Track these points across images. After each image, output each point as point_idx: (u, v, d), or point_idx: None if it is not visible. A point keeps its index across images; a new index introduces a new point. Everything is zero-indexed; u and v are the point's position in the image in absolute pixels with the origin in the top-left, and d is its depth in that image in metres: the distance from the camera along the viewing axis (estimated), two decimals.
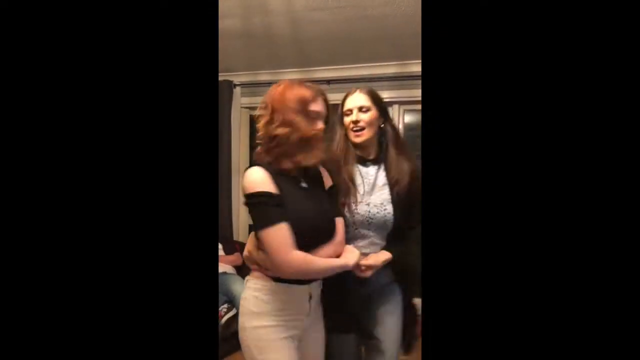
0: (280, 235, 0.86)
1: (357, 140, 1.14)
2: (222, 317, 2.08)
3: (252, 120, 3.18)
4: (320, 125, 0.97)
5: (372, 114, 1.14)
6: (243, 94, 2.96)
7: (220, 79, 2.89)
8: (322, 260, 0.92)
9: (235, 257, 2.48)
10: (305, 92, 0.94)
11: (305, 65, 2.66)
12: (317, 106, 0.96)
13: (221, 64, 2.70)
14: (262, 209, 0.87)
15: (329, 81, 2.65)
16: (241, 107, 3.00)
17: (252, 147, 3.22)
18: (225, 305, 2.11)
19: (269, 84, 2.82)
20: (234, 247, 2.61)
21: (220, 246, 2.52)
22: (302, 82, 0.98)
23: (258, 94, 2.94)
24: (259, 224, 0.88)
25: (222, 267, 2.36)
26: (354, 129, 1.14)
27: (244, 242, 2.89)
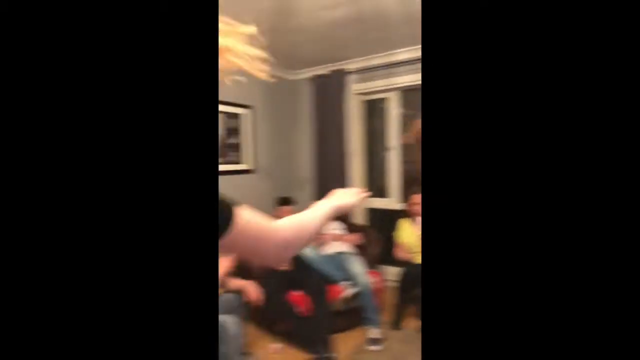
0: (248, 219, 0.66)
1: None
2: (342, 292, 2.20)
3: (367, 105, 3.22)
4: None
5: None
6: (356, 81, 3.02)
7: (333, 68, 3.01)
8: (308, 212, 0.73)
9: (355, 237, 2.59)
10: None
11: (418, 42, 2.56)
12: None
13: (334, 54, 2.80)
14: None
15: None
16: (355, 93, 3.06)
17: (368, 129, 3.26)
18: (346, 282, 2.23)
19: (383, 67, 2.83)
20: (353, 226, 2.72)
21: (340, 225, 2.66)
22: None
23: (371, 79, 2.96)
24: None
25: (339, 247, 2.48)
26: None
27: (360, 223, 2.98)
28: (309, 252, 2.34)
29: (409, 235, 2.44)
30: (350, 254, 2.44)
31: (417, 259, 2.34)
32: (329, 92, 3.06)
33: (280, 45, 2.47)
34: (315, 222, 0.71)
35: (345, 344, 2.15)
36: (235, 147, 2.85)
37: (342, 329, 2.26)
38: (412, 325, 2.35)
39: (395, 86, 2.90)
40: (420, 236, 2.42)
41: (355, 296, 2.22)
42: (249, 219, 0.59)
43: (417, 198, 2.42)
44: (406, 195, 2.62)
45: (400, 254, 2.44)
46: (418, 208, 2.39)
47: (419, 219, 2.41)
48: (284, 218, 0.67)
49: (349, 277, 2.26)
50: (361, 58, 2.93)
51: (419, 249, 2.35)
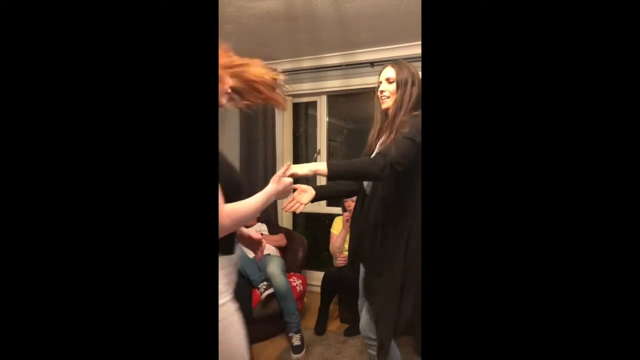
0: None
1: (383, 105, 1.28)
2: (262, 294, 2.10)
3: (295, 108, 3.19)
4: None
5: (395, 85, 1.25)
6: (286, 82, 2.97)
7: None
8: (249, 200, 0.90)
9: (278, 237, 2.51)
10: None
11: (349, 47, 2.61)
12: None
13: (264, 52, 2.72)
14: None
15: (372, 63, 2.58)
16: (285, 95, 3.01)
17: (295, 134, 3.23)
18: (265, 283, 2.13)
19: (312, 70, 2.83)
20: (279, 229, 2.64)
21: (265, 227, 2.56)
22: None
23: (301, 80, 2.94)
24: None
25: (266, 249, 2.39)
26: (381, 97, 1.29)
27: (287, 227, 2.92)
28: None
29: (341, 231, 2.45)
30: (272, 256, 2.35)
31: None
32: None
33: None
34: (252, 208, 0.89)
35: (267, 352, 2.04)
36: None
37: (265, 337, 2.15)
38: (335, 328, 2.33)
39: (324, 90, 2.92)
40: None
41: (270, 298, 2.12)
42: None
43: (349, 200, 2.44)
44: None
45: (333, 246, 2.45)
46: (352, 207, 2.40)
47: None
48: (229, 205, 0.83)
49: (266, 279, 2.17)
50: (291, 59, 2.89)
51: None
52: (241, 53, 3.02)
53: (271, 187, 0.96)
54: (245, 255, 2.22)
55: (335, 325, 2.36)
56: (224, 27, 2.25)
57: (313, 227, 3.15)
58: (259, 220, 2.57)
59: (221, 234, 0.82)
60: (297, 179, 1.11)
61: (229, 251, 0.93)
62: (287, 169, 1.02)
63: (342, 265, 2.31)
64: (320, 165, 1.13)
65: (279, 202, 2.91)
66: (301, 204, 1.22)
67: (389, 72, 1.27)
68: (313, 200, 1.27)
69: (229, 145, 3.17)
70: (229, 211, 0.84)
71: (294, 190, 1.21)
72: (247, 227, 2.46)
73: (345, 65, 2.71)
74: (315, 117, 3.11)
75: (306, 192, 1.25)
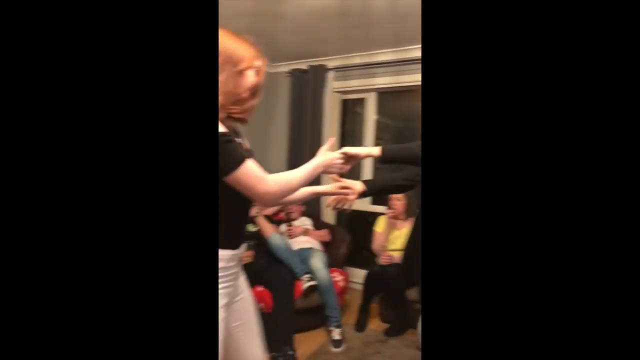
0: (251, 169, 0.82)
1: None
2: (303, 284, 2.13)
3: (343, 105, 3.19)
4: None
5: None
6: (335, 78, 2.98)
7: (313, 63, 2.96)
8: (295, 170, 0.92)
9: (323, 233, 2.54)
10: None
11: (400, 44, 2.57)
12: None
13: (314, 48, 2.75)
14: (231, 147, 0.80)
15: None
16: (333, 91, 3.03)
17: (344, 130, 3.23)
18: (307, 275, 2.16)
19: (362, 66, 2.81)
20: (323, 224, 2.67)
21: (309, 221, 2.60)
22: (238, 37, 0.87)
23: (350, 77, 2.94)
24: (230, 164, 0.79)
25: (310, 243, 2.43)
26: None
27: (328, 222, 2.94)
28: (279, 242, 2.25)
29: (385, 229, 2.44)
30: (315, 250, 2.38)
31: (393, 255, 2.32)
32: (307, 87, 3.00)
33: (264, 30, 2.39)
34: (299, 178, 0.92)
35: (307, 344, 2.08)
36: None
37: (305, 328, 2.20)
38: (376, 327, 2.32)
39: (373, 87, 2.90)
40: (407, 236, 2.40)
41: (312, 290, 2.15)
42: (250, 167, 0.81)
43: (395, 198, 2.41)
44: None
45: (376, 244, 2.44)
46: (397, 206, 2.38)
47: (396, 220, 2.41)
48: (275, 174, 0.87)
49: (309, 272, 2.20)
50: (341, 55, 2.89)
51: (395, 247, 2.34)
52: (293, 49, 3.09)
53: (316, 159, 0.97)
54: (289, 248, 2.27)
55: (375, 324, 2.35)
56: (277, 25, 2.31)
57: (356, 224, 3.14)
58: (303, 214, 2.61)
59: (270, 203, 0.82)
60: (343, 175, 1.11)
61: (233, 245, 0.89)
62: (331, 144, 1.03)
63: (386, 264, 2.29)
64: (373, 148, 1.11)
65: (323, 197, 2.94)
66: (350, 198, 1.20)
67: None
68: (362, 196, 1.26)
69: (276, 141, 3.25)
70: (275, 178, 0.85)
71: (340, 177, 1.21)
72: (291, 220, 2.53)
73: (397, 62, 2.67)
74: (363, 114, 3.10)
75: (353, 187, 1.22)
